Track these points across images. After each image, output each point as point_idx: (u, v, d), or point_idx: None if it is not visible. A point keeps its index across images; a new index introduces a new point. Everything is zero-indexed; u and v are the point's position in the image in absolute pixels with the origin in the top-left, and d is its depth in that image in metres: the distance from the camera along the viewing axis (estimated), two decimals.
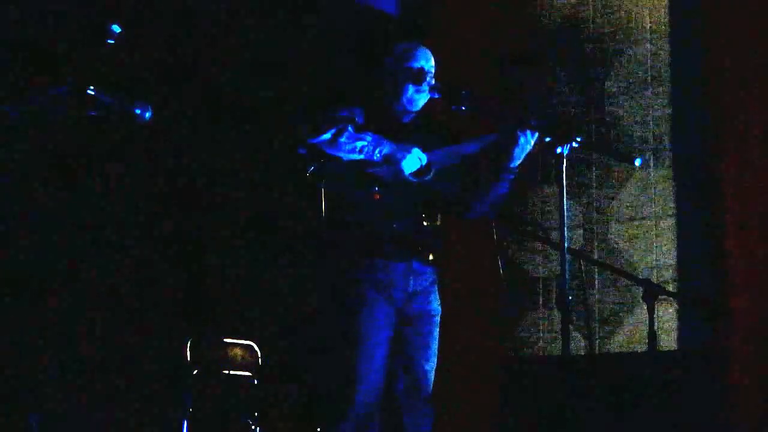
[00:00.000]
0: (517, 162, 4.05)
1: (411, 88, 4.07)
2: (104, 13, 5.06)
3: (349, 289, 3.97)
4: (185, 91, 5.78)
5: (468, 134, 4.13)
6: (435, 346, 4.10)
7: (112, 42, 3.29)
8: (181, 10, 5.84)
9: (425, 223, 4.06)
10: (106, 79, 3.42)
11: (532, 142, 3.98)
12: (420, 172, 4.01)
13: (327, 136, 3.91)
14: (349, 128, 3.94)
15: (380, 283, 3.97)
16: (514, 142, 3.98)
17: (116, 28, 3.28)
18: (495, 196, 4.17)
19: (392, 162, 3.95)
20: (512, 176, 4.10)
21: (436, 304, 4.13)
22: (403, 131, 4.09)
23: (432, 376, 4.09)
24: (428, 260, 4.09)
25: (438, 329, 4.12)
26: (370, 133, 3.96)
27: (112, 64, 4.77)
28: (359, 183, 3.99)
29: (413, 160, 3.97)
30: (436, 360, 4.10)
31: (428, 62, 4.11)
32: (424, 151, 4.01)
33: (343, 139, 3.92)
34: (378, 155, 3.94)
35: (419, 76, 4.06)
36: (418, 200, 4.04)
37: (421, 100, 4.10)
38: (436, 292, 4.14)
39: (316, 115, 4.02)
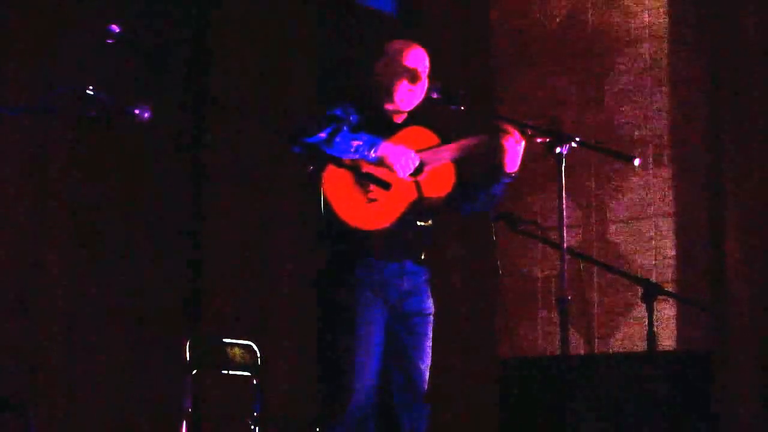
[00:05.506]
0: (512, 163, 4.00)
1: (405, 88, 4.07)
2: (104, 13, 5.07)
3: (344, 289, 3.98)
4: (184, 90, 5.78)
5: (462, 134, 4.13)
6: (429, 344, 4.11)
7: (112, 42, 3.29)
8: (180, 11, 5.84)
9: (418, 223, 4.06)
10: (106, 79, 3.43)
11: (523, 143, 3.96)
12: (413, 172, 4.01)
13: (323, 135, 3.92)
14: (345, 128, 3.95)
15: (374, 282, 3.98)
16: (504, 141, 3.95)
17: (116, 28, 3.29)
18: (489, 196, 4.15)
19: (386, 162, 3.95)
20: (508, 180, 4.07)
21: (429, 303, 4.14)
22: (397, 131, 4.10)
23: (426, 374, 4.09)
24: (421, 260, 4.11)
25: (431, 328, 4.13)
26: (365, 133, 3.97)
27: (112, 64, 4.77)
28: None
29: (407, 160, 3.97)
30: (430, 358, 4.11)
31: (423, 62, 4.11)
32: (417, 151, 4.01)
33: (338, 139, 3.93)
34: (373, 155, 3.94)
35: (414, 75, 4.06)
36: (411, 200, 4.04)
37: (416, 99, 4.10)
38: (429, 291, 4.15)
39: (311, 114, 4.03)
